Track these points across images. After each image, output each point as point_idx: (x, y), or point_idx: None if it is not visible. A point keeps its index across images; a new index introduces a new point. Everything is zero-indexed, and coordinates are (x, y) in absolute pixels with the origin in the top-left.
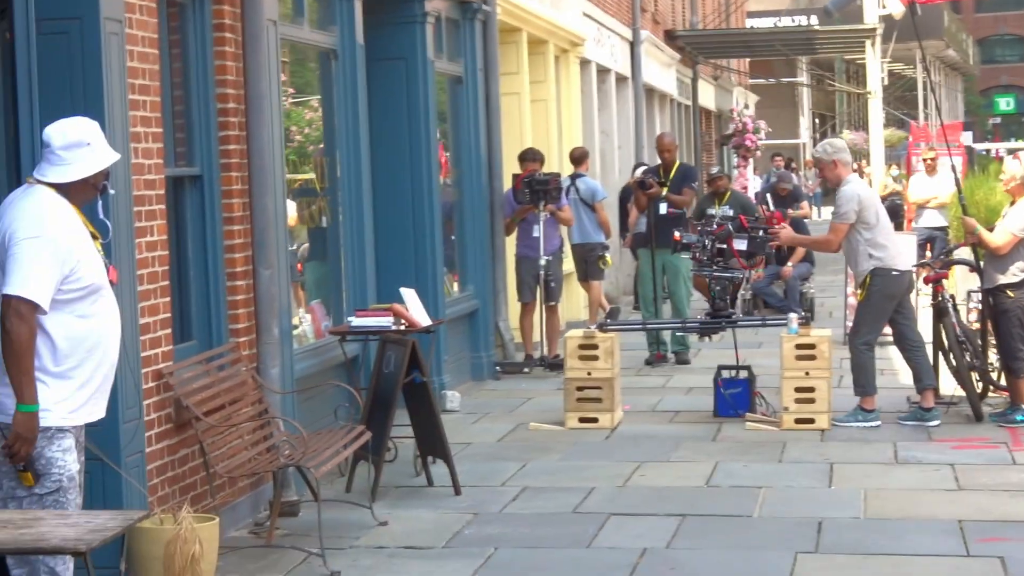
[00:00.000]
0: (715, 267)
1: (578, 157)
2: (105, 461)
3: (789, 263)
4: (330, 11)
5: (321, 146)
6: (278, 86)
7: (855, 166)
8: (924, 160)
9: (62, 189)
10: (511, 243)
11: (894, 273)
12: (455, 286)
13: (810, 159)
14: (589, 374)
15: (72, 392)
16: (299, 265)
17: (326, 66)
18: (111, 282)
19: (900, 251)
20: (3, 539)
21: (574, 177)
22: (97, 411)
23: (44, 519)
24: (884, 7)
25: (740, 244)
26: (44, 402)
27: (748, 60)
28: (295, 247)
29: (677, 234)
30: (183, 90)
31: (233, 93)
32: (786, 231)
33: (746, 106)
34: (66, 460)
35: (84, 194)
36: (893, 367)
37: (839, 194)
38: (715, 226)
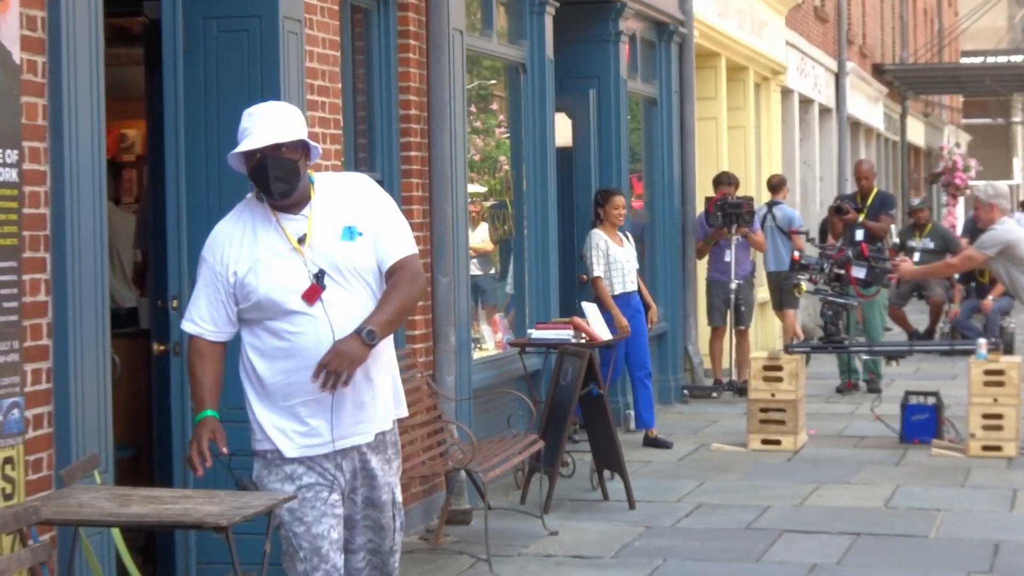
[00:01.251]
0: (831, 291)
1: (776, 184)
2: None
3: (989, 296)
4: (520, 25)
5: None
6: (462, 95)
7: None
8: None
9: None
10: (702, 267)
11: None
12: None
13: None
14: (773, 396)
15: None
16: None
17: (515, 80)
18: None
19: None
20: (147, 512)
21: (771, 204)
22: None
23: (191, 497)
24: None
25: (859, 272)
26: None
27: (962, 99)
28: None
29: (796, 254)
30: (366, 96)
31: (416, 100)
32: (906, 264)
33: (957, 144)
34: None
35: None
36: None
37: (989, 230)
38: (836, 250)
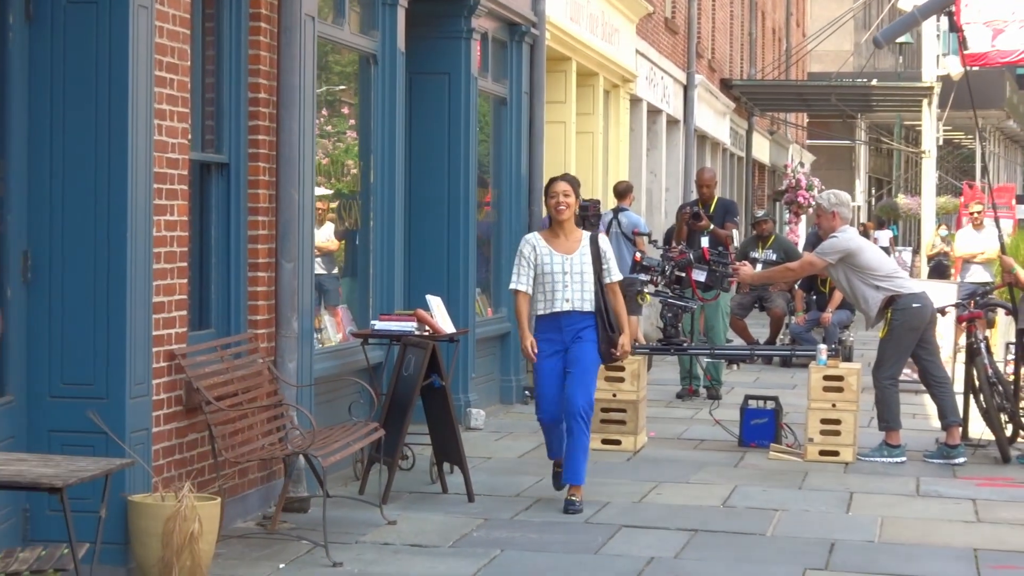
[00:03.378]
0: (670, 292)
1: (622, 191)
2: (110, 435)
3: (829, 309)
4: (372, 15)
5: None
6: (312, 81)
7: (861, 226)
8: (972, 214)
9: None
10: None
11: (915, 305)
12: (488, 308)
13: (867, 222)
14: (614, 396)
15: None
16: (339, 288)
17: (365, 70)
18: None
19: (908, 284)
20: None
21: (616, 211)
22: None
23: (26, 460)
24: (943, 67)
25: (699, 275)
26: None
27: (807, 119)
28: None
29: (638, 255)
30: (215, 77)
31: (265, 84)
32: (746, 268)
33: (801, 163)
34: None
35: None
36: (925, 411)
37: (831, 238)
38: (678, 253)
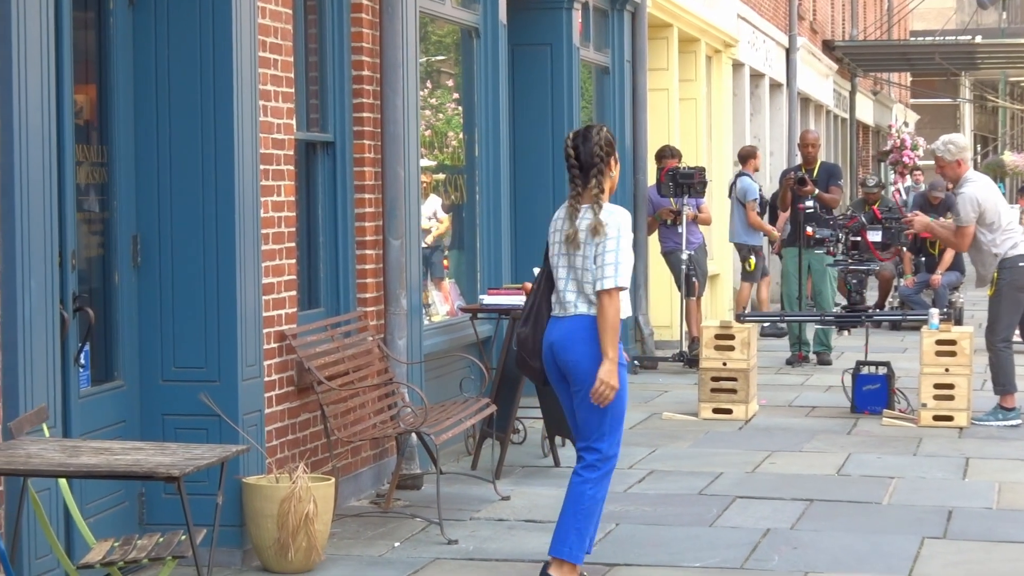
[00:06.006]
0: (850, 260)
1: (743, 156)
2: (223, 418)
3: (938, 271)
4: None
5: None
6: (415, 57)
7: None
8: None
9: None
10: (654, 237)
11: (1021, 264)
12: None
13: None
14: (724, 364)
15: None
16: (444, 261)
17: (467, 44)
18: None
19: (1018, 241)
20: (96, 463)
21: (737, 176)
22: None
23: (143, 449)
24: None
25: (875, 236)
26: None
27: (910, 78)
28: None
29: (810, 229)
30: (318, 56)
31: (368, 61)
32: (920, 218)
33: (905, 123)
34: None
35: None
36: None
37: (958, 198)
38: (848, 219)
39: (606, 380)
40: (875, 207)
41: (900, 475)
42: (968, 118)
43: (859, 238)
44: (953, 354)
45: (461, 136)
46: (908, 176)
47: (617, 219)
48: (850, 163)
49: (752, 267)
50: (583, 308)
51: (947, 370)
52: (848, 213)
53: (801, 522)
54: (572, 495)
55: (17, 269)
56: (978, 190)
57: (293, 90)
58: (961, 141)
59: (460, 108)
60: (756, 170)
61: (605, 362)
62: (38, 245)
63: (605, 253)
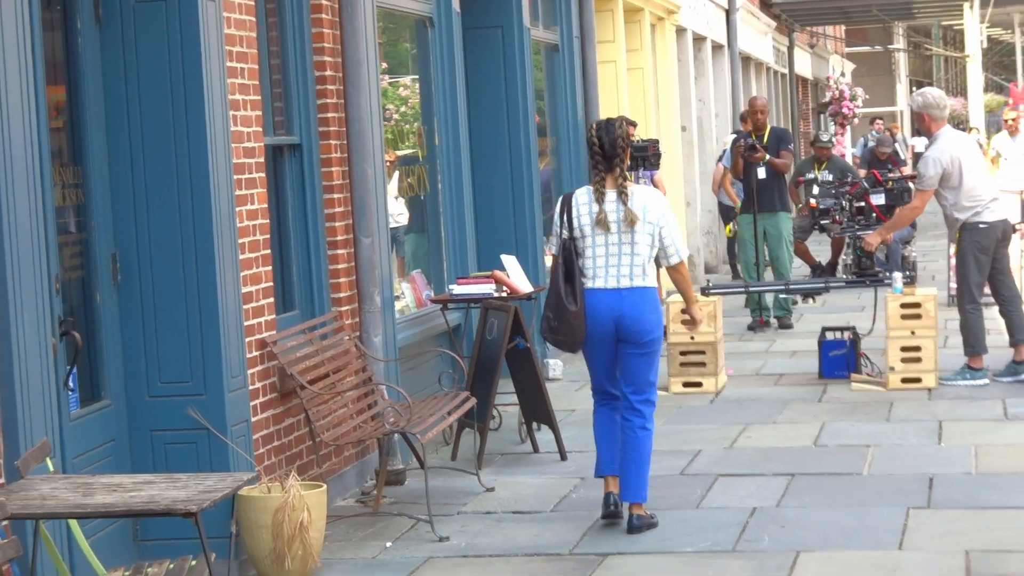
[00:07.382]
0: (857, 226)
1: (742, 116)
2: (211, 431)
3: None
4: None
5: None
6: (375, 53)
7: (887, 131)
8: (1006, 120)
9: None
10: None
11: (981, 226)
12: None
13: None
14: (692, 338)
15: None
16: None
17: (422, 34)
18: None
19: (988, 206)
20: (113, 502)
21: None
22: None
23: (154, 482)
24: None
25: (878, 199)
26: None
27: (844, 28)
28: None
29: (813, 201)
30: (280, 59)
31: (330, 61)
32: (870, 237)
33: (843, 74)
34: None
35: None
36: (1001, 327)
37: (922, 159)
38: (850, 186)
39: (701, 318)
40: (875, 171)
41: (876, 443)
42: (903, 65)
43: (863, 203)
44: (919, 316)
45: (422, 128)
46: (847, 127)
47: (660, 202)
48: (792, 117)
49: (729, 233)
50: (642, 281)
51: (913, 333)
52: (818, 183)
53: (786, 499)
54: (637, 446)
55: (9, 300)
56: (942, 152)
57: (260, 97)
58: (931, 95)
59: (420, 99)
60: (753, 130)
61: (692, 306)
62: (27, 273)
63: (667, 234)
